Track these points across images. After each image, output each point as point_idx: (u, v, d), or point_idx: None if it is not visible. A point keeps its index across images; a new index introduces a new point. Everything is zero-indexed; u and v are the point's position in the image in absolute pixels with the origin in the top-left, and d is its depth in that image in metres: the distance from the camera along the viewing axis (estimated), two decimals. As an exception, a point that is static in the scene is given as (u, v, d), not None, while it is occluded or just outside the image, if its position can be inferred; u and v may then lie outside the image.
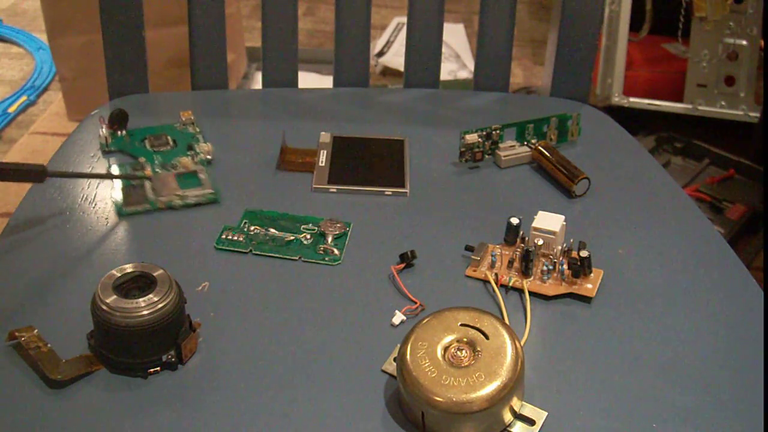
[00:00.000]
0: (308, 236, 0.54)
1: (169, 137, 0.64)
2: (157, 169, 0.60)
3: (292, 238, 0.53)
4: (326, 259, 0.52)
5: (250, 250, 0.52)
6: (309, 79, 1.49)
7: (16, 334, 0.44)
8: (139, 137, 0.64)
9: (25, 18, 1.87)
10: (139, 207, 0.56)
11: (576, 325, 0.48)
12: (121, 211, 0.55)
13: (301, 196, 0.59)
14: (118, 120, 0.64)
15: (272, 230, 0.54)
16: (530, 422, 0.41)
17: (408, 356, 0.40)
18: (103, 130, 0.63)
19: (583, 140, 0.67)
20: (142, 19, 0.69)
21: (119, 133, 0.64)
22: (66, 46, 1.34)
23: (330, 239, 0.53)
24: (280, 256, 0.52)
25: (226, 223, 0.55)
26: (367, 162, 0.63)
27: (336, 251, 0.52)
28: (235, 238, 0.53)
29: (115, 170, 0.59)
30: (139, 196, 0.57)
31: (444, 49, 1.12)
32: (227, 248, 0.52)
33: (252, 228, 0.54)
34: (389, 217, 0.57)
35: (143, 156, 0.61)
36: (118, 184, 0.58)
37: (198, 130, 0.65)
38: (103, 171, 0.60)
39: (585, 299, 0.49)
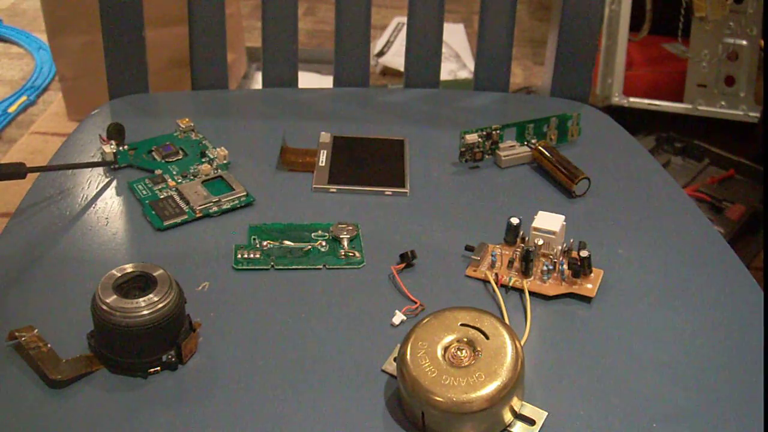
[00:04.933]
0: (323, 243, 0.53)
1: (176, 146, 0.62)
2: (178, 179, 0.59)
3: (309, 247, 0.52)
4: (349, 263, 0.52)
5: (272, 266, 0.51)
6: (309, 79, 1.49)
7: (16, 334, 0.44)
8: (143, 150, 0.62)
9: (25, 18, 1.87)
10: (178, 219, 0.55)
11: (576, 325, 0.48)
12: (161, 226, 0.54)
13: (301, 196, 0.58)
14: (115, 134, 0.62)
15: (287, 242, 0.53)
16: (530, 422, 0.41)
17: (408, 356, 0.40)
18: (109, 147, 0.60)
19: (583, 140, 0.67)
20: (142, 19, 0.69)
21: (120, 148, 0.62)
22: (66, 46, 1.34)
23: (346, 243, 0.53)
24: (304, 267, 0.51)
25: (226, 222, 0.55)
26: (367, 162, 0.63)
27: (357, 254, 0.52)
28: (252, 255, 0.52)
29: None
30: (174, 208, 0.55)
31: (444, 49, 1.12)
32: (247, 267, 0.51)
33: (264, 243, 0.53)
34: (389, 217, 0.57)
35: (158, 168, 0.60)
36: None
37: (201, 135, 0.64)
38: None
39: (585, 299, 0.49)
